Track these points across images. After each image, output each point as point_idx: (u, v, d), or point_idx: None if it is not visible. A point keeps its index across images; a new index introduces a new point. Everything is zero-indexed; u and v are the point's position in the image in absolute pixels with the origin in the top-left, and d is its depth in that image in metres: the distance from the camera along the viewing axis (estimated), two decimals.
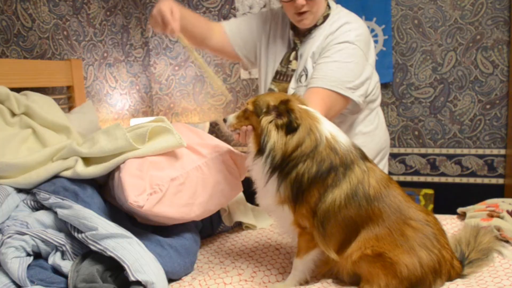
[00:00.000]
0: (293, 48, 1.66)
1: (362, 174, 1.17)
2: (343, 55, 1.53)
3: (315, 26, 1.63)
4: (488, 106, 2.77)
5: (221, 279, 1.24)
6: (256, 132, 1.21)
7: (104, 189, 1.44)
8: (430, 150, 2.95)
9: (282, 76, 1.66)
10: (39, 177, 1.38)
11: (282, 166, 1.15)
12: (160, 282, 1.12)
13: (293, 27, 1.68)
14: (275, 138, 1.14)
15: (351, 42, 1.54)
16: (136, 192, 1.23)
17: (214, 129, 3.35)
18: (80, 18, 2.77)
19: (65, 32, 2.65)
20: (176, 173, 1.32)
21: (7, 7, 2.28)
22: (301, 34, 1.65)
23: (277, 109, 1.16)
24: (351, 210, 1.15)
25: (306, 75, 1.61)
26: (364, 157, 1.22)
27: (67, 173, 1.39)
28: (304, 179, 1.14)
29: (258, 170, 1.20)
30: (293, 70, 1.64)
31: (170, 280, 1.27)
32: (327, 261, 1.24)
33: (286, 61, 1.66)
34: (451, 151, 2.89)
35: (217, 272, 1.29)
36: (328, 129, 1.18)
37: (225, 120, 1.29)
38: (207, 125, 3.20)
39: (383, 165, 1.81)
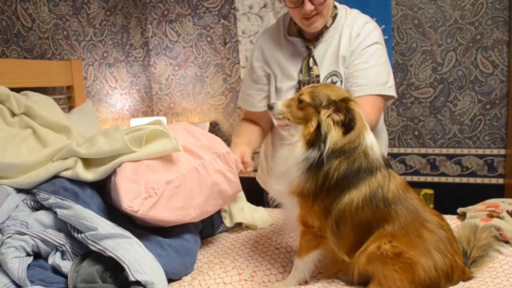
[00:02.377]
0: (308, 54, 1.65)
1: (383, 179, 1.16)
2: (376, 57, 1.59)
3: (326, 28, 1.62)
4: (488, 106, 2.77)
5: (221, 279, 1.25)
6: (307, 123, 1.18)
7: (103, 190, 1.44)
8: (430, 150, 2.95)
9: (306, 85, 1.63)
10: (39, 177, 1.38)
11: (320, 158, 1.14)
12: (160, 282, 1.12)
13: (300, 34, 1.66)
14: (334, 133, 1.14)
15: (378, 43, 1.61)
16: (131, 197, 1.22)
17: (214, 129, 3.35)
18: (80, 18, 2.77)
19: (65, 32, 2.65)
20: (171, 176, 1.31)
21: (7, 7, 2.28)
22: (313, 39, 1.64)
23: (337, 105, 1.16)
24: (368, 212, 1.14)
25: (341, 81, 1.61)
26: (388, 165, 1.22)
27: (67, 173, 1.38)
28: (334, 175, 1.13)
29: (293, 159, 1.17)
30: (317, 76, 1.63)
31: (170, 280, 1.27)
32: (337, 261, 1.23)
33: (306, 68, 1.64)
34: (451, 151, 2.89)
35: (217, 272, 1.29)
36: (370, 138, 1.18)
37: (271, 108, 1.26)
38: (207, 125, 3.21)
39: None
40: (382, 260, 1.11)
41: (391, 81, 1.63)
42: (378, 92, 1.57)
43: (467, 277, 1.19)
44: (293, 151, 1.18)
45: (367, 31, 1.61)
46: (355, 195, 1.14)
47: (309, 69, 1.64)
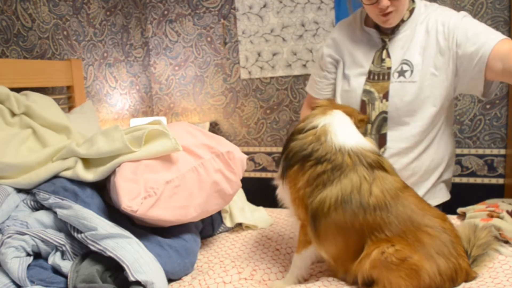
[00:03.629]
0: (382, 46, 1.65)
1: (359, 182, 1.15)
2: (475, 21, 1.56)
3: (402, 21, 1.62)
4: (488, 106, 2.77)
5: (220, 278, 1.25)
6: None
7: (103, 190, 1.44)
8: None
9: (377, 76, 1.64)
10: (39, 177, 1.38)
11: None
12: (160, 282, 1.12)
13: (376, 26, 1.66)
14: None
15: (466, 15, 1.57)
16: (130, 197, 1.22)
17: (214, 129, 3.36)
18: (80, 18, 2.77)
19: (65, 32, 2.65)
20: (171, 176, 1.31)
21: (7, 7, 2.28)
22: (389, 32, 1.64)
23: None
24: (345, 216, 1.14)
25: (412, 71, 1.60)
26: (376, 166, 1.19)
27: (67, 173, 1.39)
28: (291, 153, 1.24)
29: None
30: (389, 68, 1.63)
31: (170, 280, 1.27)
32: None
33: (378, 60, 1.65)
34: None
35: (217, 271, 1.29)
36: (326, 122, 1.24)
37: None
38: (207, 125, 3.21)
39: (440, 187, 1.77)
40: (386, 265, 1.10)
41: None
42: (501, 36, 1.48)
43: (471, 278, 1.17)
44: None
45: (450, 13, 1.59)
46: (326, 194, 1.15)
47: (382, 60, 1.64)
